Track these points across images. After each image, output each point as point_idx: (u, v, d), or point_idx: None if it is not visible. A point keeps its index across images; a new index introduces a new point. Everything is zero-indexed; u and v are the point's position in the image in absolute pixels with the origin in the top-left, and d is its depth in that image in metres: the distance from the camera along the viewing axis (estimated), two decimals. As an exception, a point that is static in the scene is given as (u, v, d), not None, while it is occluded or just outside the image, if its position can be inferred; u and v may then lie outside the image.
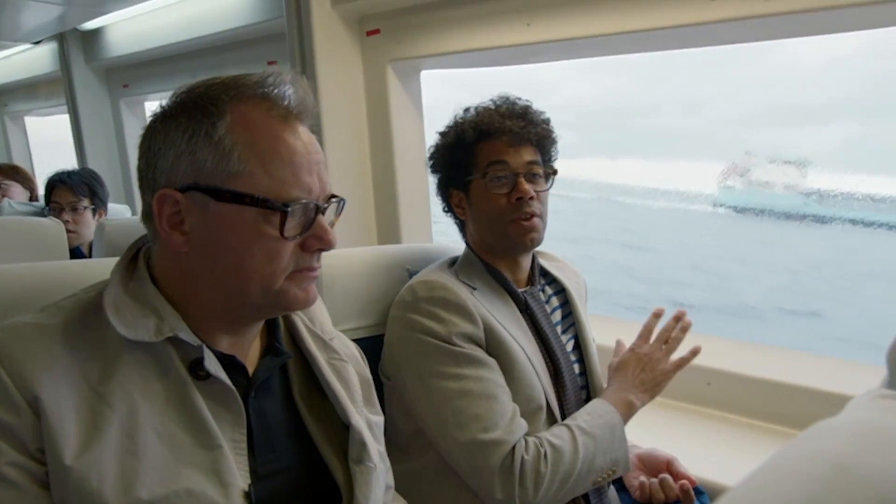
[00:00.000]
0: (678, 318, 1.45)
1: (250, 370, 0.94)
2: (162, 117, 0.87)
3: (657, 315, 1.47)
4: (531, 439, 1.28)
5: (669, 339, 1.43)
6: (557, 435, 1.29)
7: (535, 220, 1.39)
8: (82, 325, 0.85)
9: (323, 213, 0.90)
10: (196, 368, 0.86)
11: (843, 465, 0.37)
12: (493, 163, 1.39)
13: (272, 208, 0.84)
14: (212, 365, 0.86)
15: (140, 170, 0.89)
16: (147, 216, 0.90)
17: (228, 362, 0.89)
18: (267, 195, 0.84)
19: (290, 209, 0.85)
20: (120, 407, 0.81)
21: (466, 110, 1.46)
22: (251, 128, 0.85)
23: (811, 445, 0.40)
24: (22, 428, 0.77)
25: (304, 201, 0.86)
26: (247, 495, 0.84)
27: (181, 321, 0.87)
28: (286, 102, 0.88)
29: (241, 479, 0.84)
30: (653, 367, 1.41)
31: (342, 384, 1.01)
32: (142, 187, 0.90)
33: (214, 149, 0.83)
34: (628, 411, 1.37)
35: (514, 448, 1.25)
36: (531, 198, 1.37)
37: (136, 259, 0.93)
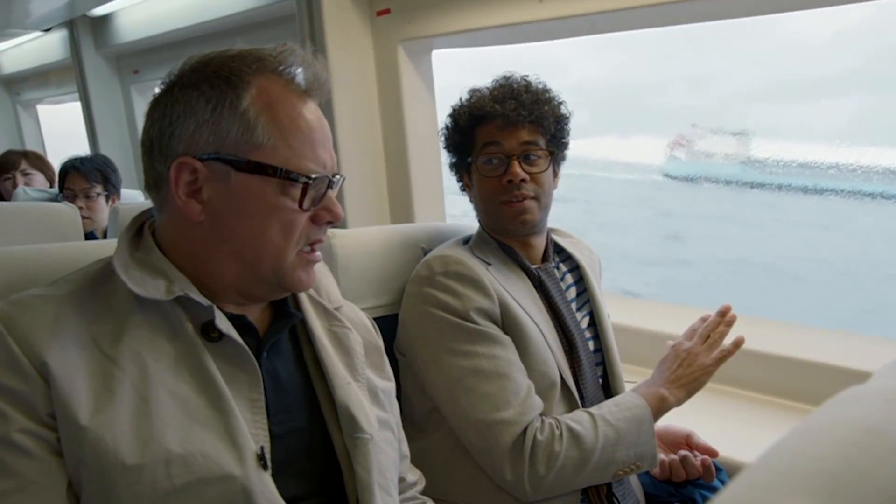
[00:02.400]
0: (723, 314, 1.40)
1: (260, 332, 0.95)
2: (180, 85, 0.88)
3: (703, 319, 1.43)
4: (548, 420, 1.27)
5: (712, 335, 1.39)
6: (578, 420, 1.28)
7: (528, 202, 1.38)
8: (90, 293, 0.86)
9: (332, 188, 0.92)
10: (208, 330, 0.86)
11: (876, 431, 0.36)
12: (486, 144, 1.40)
13: (296, 180, 0.86)
14: (223, 324, 0.87)
15: (151, 138, 0.89)
16: (156, 185, 0.90)
17: (238, 323, 0.90)
18: (288, 167, 0.86)
19: (311, 181, 0.87)
20: (131, 369, 0.81)
21: (472, 92, 1.45)
22: (273, 101, 0.87)
23: (841, 411, 0.40)
24: (31, 394, 0.77)
25: (322, 174, 0.89)
26: (259, 458, 0.84)
27: (190, 284, 0.87)
28: (302, 79, 0.90)
29: (253, 440, 0.85)
30: (691, 361, 1.36)
31: (341, 352, 1.01)
32: (150, 156, 0.89)
33: (239, 120, 0.85)
34: (660, 406, 1.32)
35: (526, 428, 1.25)
36: (522, 180, 1.37)
37: (141, 231, 0.93)
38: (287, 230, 0.88)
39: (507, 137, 1.38)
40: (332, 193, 0.92)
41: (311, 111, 0.90)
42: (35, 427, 0.78)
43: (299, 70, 0.90)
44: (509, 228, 1.42)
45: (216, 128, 0.85)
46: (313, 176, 0.87)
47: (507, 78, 1.44)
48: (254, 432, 0.85)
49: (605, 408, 1.32)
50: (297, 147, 0.87)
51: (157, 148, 0.88)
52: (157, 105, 0.89)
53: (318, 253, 0.94)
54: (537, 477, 1.23)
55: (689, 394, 1.36)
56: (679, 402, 1.35)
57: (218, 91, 0.85)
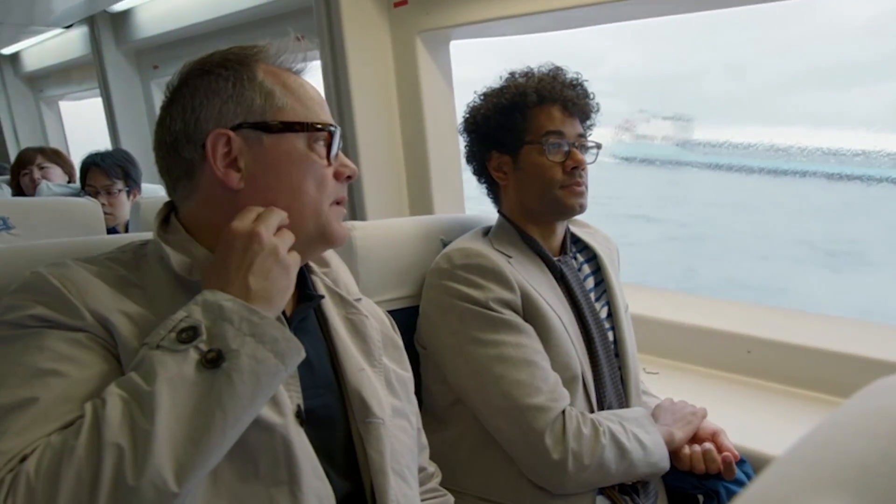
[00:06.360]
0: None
1: (287, 314, 0.97)
2: (193, 78, 0.93)
3: None
4: (590, 417, 1.28)
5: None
6: (615, 427, 1.30)
7: (584, 188, 1.42)
8: (126, 269, 0.90)
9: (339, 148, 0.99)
10: None
11: None
12: (550, 132, 1.40)
13: (321, 130, 0.94)
14: None
15: (174, 132, 0.93)
16: (187, 174, 0.93)
17: None
18: (309, 122, 0.94)
19: (334, 130, 0.95)
20: None
21: (511, 75, 1.46)
22: (278, 75, 0.96)
23: (872, 402, 0.39)
24: (88, 327, 0.81)
25: (336, 128, 0.96)
26: (298, 414, 0.88)
27: None
28: (294, 61, 0.99)
29: (290, 400, 0.88)
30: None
31: (357, 338, 1.04)
32: (175, 149, 0.93)
33: (259, 89, 0.92)
34: (669, 440, 1.37)
35: (563, 412, 1.25)
36: (583, 168, 1.41)
37: (167, 219, 0.97)
38: (320, 184, 0.94)
39: (568, 126, 1.41)
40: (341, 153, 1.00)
41: (309, 83, 0.99)
42: (88, 340, 0.81)
43: (293, 55, 0.98)
44: (564, 211, 1.43)
45: (240, 99, 0.92)
46: (331, 127, 0.95)
47: (557, 68, 1.45)
48: (289, 394, 0.89)
49: (631, 425, 1.33)
50: (310, 107, 0.95)
51: (183, 139, 0.92)
52: (174, 104, 0.94)
53: (344, 203, 1.01)
54: (581, 465, 1.24)
55: (687, 436, 1.40)
56: (680, 442, 1.38)
57: (233, 71, 0.93)
